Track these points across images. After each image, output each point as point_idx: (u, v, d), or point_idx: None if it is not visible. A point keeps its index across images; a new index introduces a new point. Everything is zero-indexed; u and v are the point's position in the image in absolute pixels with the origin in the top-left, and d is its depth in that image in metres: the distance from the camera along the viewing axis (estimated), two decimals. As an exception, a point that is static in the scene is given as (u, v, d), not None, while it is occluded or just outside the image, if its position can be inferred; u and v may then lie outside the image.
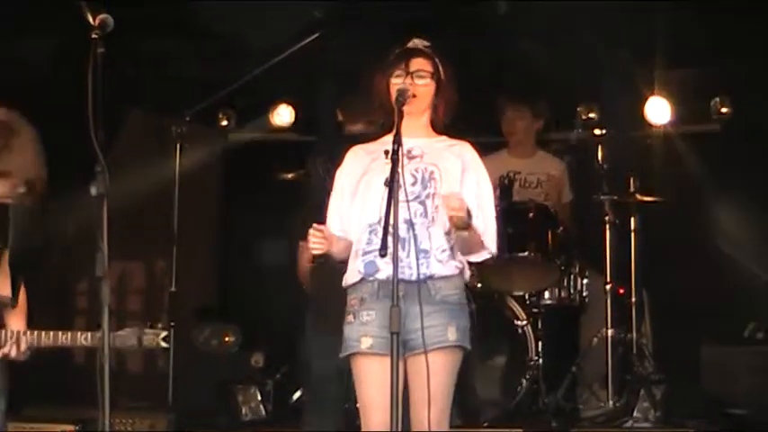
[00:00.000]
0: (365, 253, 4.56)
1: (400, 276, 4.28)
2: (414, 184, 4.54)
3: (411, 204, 4.47)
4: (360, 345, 4.50)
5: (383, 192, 4.33)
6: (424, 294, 4.43)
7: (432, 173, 4.58)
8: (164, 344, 4.65)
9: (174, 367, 7.06)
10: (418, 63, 4.67)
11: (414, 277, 4.42)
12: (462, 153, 4.70)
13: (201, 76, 7.74)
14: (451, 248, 4.58)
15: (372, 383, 4.45)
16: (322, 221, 4.62)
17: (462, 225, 4.39)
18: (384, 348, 4.33)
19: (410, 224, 4.47)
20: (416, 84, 4.62)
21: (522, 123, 7.68)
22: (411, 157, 4.57)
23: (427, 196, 4.55)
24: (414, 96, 4.58)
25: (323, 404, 6.01)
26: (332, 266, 4.83)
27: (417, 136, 4.64)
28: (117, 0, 4.29)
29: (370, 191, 4.59)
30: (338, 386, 5.78)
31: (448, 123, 4.76)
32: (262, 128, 8.63)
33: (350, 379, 4.74)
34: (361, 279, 4.56)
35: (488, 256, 4.65)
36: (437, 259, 4.53)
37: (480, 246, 4.59)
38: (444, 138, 4.74)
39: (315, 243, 4.44)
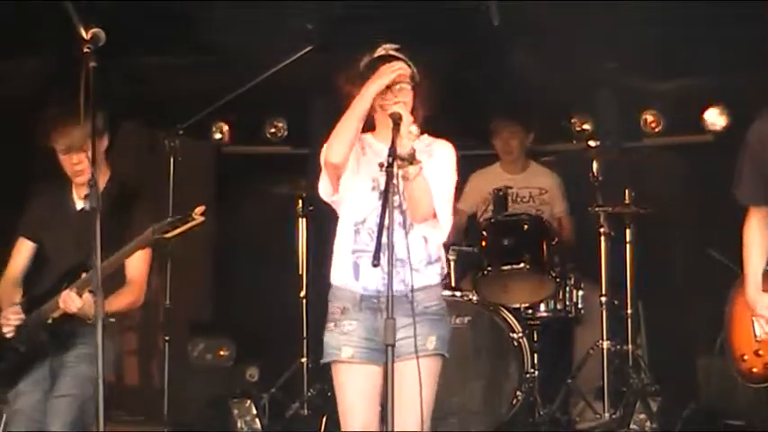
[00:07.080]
0: (354, 251, 4.59)
1: (381, 287, 4.43)
2: (394, 193, 4.52)
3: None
4: (340, 353, 4.57)
5: (368, 195, 4.52)
6: (405, 306, 4.45)
7: None
8: (200, 218, 4.68)
9: (169, 381, 7.04)
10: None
11: (394, 287, 4.36)
12: (434, 150, 4.66)
13: (194, 89, 7.72)
14: (432, 258, 4.61)
15: (354, 390, 4.53)
16: None
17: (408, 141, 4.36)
18: (366, 357, 4.53)
19: (389, 231, 4.45)
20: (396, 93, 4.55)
21: (516, 143, 7.70)
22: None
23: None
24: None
25: None
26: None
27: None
28: (109, 14, 4.28)
29: (355, 188, 4.60)
30: None
31: (430, 122, 4.67)
32: (255, 141, 8.63)
33: None
34: (345, 285, 4.59)
35: (437, 224, 4.56)
36: (414, 269, 4.52)
37: (428, 201, 4.49)
38: (424, 138, 4.65)
39: None
